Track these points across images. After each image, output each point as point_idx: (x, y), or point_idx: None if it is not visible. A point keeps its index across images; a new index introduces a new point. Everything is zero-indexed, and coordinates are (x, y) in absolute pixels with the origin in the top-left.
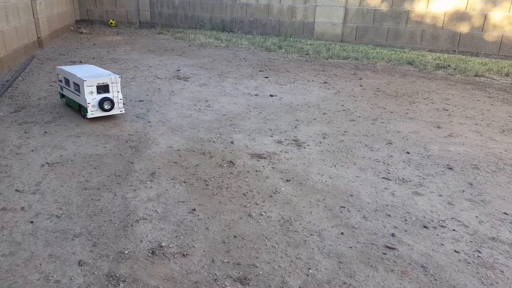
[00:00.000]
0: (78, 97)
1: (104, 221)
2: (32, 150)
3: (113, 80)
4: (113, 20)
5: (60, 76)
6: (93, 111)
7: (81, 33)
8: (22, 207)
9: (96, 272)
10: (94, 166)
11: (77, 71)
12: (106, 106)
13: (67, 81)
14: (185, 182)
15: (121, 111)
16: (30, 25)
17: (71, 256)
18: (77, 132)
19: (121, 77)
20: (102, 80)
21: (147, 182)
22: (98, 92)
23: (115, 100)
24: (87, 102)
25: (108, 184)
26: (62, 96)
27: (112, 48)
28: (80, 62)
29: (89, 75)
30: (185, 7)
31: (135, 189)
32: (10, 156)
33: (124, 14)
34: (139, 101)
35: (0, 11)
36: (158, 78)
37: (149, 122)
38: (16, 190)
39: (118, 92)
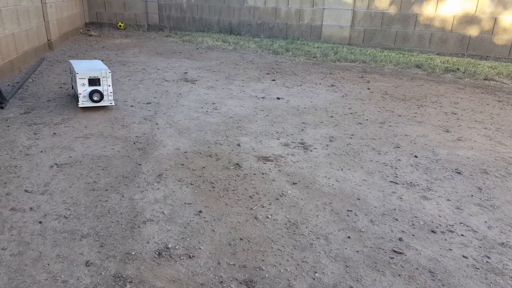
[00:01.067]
0: (75, 88)
1: (112, 222)
2: (41, 151)
3: (104, 74)
4: (122, 23)
5: (70, 69)
6: (84, 101)
7: (90, 35)
8: (31, 208)
9: (103, 273)
10: (102, 167)
11: (79, 65)
12: (95, 98)
13: (72, 73)
14: (191, 184)
15: (111, 103)
16: (41, 28)
17: (78, 256)
18: (85, 134)
19: (111, 72)
20: (93, 74)
21: (154, 184)
22: (90, 85)
23: (104, 93)
24: (79, 92)
25: (115, 185)
26: (73, 87)
27: (120, 51)
28: None
29: (83, 69)
30: (193, 10)
31: (142, 191)
32: (20, 157)
33: (132, 17)
34: (147, 103)
35: (11, 14)
36: (166, 80)
37: (157, 124)
38: (25, 190)
39: (109, 85)
